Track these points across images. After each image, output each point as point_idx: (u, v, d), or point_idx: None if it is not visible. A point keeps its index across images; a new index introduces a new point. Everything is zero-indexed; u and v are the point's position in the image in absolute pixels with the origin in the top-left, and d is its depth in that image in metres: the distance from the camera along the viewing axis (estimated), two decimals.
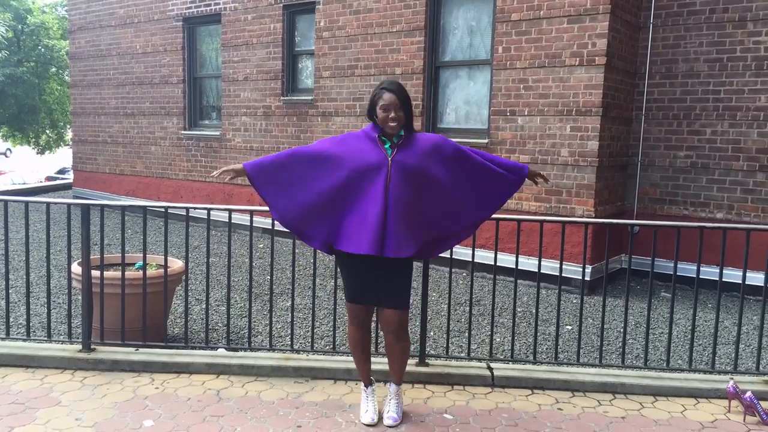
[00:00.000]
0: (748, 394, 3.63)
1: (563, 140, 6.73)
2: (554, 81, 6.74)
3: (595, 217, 6.54)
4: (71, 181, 13.64)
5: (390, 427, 3.43)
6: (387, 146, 3.31)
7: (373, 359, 3.74)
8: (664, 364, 4.39)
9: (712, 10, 6.69)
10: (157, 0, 10.56)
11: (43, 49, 23.84)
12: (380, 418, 3.49)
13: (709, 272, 5.35)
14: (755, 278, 4.98)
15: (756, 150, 6.57)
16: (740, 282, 4.13)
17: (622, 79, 6.86)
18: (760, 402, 3.65)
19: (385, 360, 3.66)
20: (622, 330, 4.36)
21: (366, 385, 3.58)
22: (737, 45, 6.60)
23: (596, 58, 6.46)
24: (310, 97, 8.79)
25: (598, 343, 4.50)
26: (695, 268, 4.14)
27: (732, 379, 3.89)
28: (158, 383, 3.93)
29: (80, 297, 4.29)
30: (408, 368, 3.75)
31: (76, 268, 4.47)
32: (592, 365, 4.36)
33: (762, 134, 6.54)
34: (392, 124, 3.28)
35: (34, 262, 7.30)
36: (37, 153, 27.05)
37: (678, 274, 4.22)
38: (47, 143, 26.46)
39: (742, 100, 6.61)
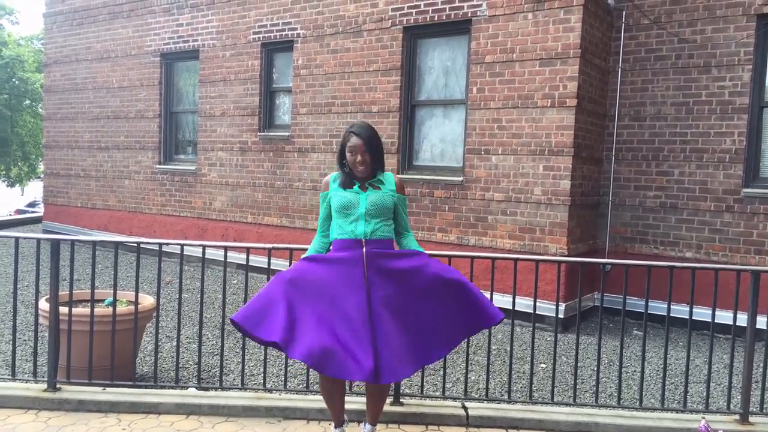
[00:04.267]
0: None
1: (536, 179, 6.84)
2: (527, 121, 6.89)
3: (568, 255, 6.61)
4: (41, 214, 13.41)
5: None
6: (356, 188, 3.36)
7: (346, 398, 3.68)
8: (638, 403, 4.40)
9: (678, 56, 6.94)
10: (135, 35, 10.61)
11: (17, 82, 23.68)
12: None
13: (680, 310, 5.43)
14: (724, 317, 5.06)
15: (722, 191, 6.75)
16: (710, 320, 4.19)
17: (592, 120, 7.03)
18: None
19: (356, 399, 3.60)
20: (595, 368, 4.38)
21: (336, 426, 3.48)
22: (702, 90, 6.83)
23: (567, 99, 6.62)
24: (286, 133, 8.83)
25: (572, 382, 4.51)
26: (666, 306, 4.19)
27: (704, 418, 3.92)
28: (125, 424, 3.82)
29: (47, 334, 4.19)
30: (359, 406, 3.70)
31: (44, 305, 4.37)
32: (567, 404, 4.36)
33: (728, 175, 6.72)
34: (360, 167, 3.35)
35: (0, 298, 7.12)
36: (8, 186, 26.60)
37: (649, 312, 4.28)
38: (18, 176, 26.07)
39: (708, 142, 6.82)
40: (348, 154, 3.36)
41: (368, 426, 3.50)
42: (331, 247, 3.45)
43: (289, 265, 4.24)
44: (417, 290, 3.27)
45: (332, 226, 3.44)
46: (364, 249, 3.27)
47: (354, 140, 3.34)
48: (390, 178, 3.48)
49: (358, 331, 3.10)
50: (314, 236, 3.61)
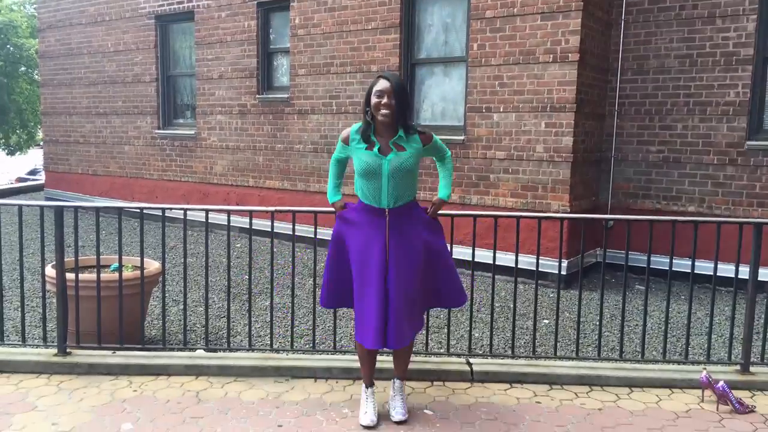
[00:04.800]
0: (721, 383, 3.72)
1: (538, 136, 6.79)
2: (528, 78, 6.80)
3: (570, 212, 6.62)
4: (43, 182, 13.41)
5: (399, 423, 3.45)
6: (376, 150, 3.35)
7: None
8: (639, 356, 4.47)
9: (682, 7, 6.81)
10: None
11: (11, 48, 23.40)
12: (378, 419, 3.48)
13: (682, 264, 5.46)
14: (726, 270, 5.09)
15: (726, 144, 6.71)
16: (712, 274, 4.22)
17: (595, 75, 6.95)
18: (732, 391, 3.73)
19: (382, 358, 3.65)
20: (597, 323, 4.43)
21: (367, 386, 3.57)
22: (707, 41, 6.72)
23: (569, 54, 6.53)
24: (285, 95, 8.75)
25: (575, 337, 4.56)
26: (668, 260, 4.21)
27: (705, 369, 3.98)
28: (136, 386, 3.89)
29: (55, 300, 4.23)
30: (388, 365, 3.77)
31: (50, 271, 4.41)
32: (569, 358, 4.43)
33: (731, 128, 6.67)
34: (384, 110, 3.29)
35: (6, 266, 7.17)
36: (7, 154, 26.54)
37: (651, 266, 4.30)
38: (17, 144, 25.98)
39: (712, 95, 6.74)
40: (373, 98, 3.30)
41: (398, 382, 3.60)
42: (357, 203, 3.54)
43: (293, 227, 4.26)
44: (419, 260, 3.43)
45: (356, 183, 3.49)
46: (387, 218, 3.40)
47: (382, 83, 3.31)
48: (416, 138, 3.43)
49: (378, 301, 3.29)
50: (327, 184, 3.69)
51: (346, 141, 3.47)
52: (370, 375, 3.59)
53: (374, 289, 3.30)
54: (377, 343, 3.27)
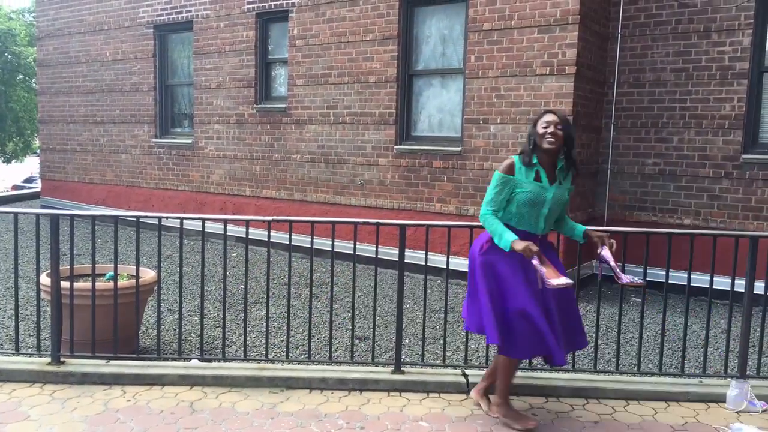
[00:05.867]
0: (602, 251, 3.63)
1: None
2: (526, 90, 6.83)
3: None
4: (39, 190, 13.38)
5: None
6: (544, 179, 3.43)
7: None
8: (636, 369, 4.46)
9: (678, 21, 6.86)
10: (128, 7, 10.45)
11: (9, 56, 23.42)
12: None
13: (678, 277, 5.46)
14: (722, 282, 5.09)
15: (721, 157, 6.74)
16: (708, 286, 4.22)
17: (591, 88, 6.98)
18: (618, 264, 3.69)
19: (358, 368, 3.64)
20: (594, 335, 4.43)
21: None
22: (702, 55, 6.77)
23: (566, 67, 6.56)
24: (283, 105, 8.77)
25: None
26: (664, 273, 4.22)
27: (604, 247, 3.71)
28: (130, 396, 3.87)
29: (49, 309, 4.21)
30: (383, 376, 3.76)
31: (45, 279, 4.39)
32: (566, 370, 4.41)
33: (727, 142, 6.70)
34: (550, 138, 3.37)
35: (1, 274, 7.15)
36: (4, 162, 26.49)
37: (648, 279, 4.30)
38: (14, 151, 25.95)
39: (708, 108, 6.78)
40: (540, 128, 3.40)
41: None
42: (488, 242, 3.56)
43: (289, 237, 4.25)
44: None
45: (512, 210, 3.48)
46: (538, 241, 3.48)
47: (549, 116, 3.43)
48: (570, 176, 3.56)
49: (542, 317, 3.39)
50: (483, 214, 3.52)
51: (510, 171, 3.45)
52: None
53: (542, 307, 3.40)
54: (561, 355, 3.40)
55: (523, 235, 3.43)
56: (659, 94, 7.01)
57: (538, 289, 3.40)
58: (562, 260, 6.45)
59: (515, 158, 3.48)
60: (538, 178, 3.44)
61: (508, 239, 3.35)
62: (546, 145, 3.40)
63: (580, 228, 3.72)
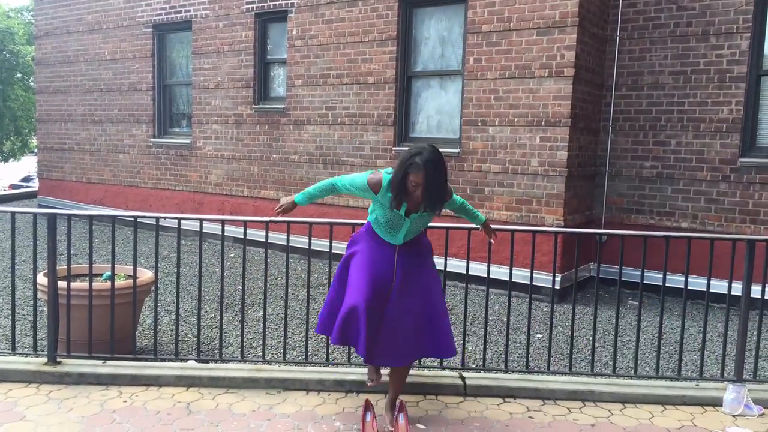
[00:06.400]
0: None
1: (533, 150, 6.82)
2: (524, 92, 6.84)
3: (564, 226, 6.63)
4: (36, 189, 13.35)
5: None
6: (403, 209, 3.40)
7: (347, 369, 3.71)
8: (632, 372, 4.47)
9: (677, 24, 6.87)
10: (127, 6, 10.44)
11: (8, 55, 23.37)
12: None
13: (675, 280, 5.47)
14: (719, 286, 5.10)
15: (719, 160, 6.75)
16: (705, 290, 4.23)
17: (589, 90, 6.99)
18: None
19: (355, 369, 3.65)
20: (591, 338, 4.43)
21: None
22: (701, 58, 6.78)
23: (565, 69, 6.57)
24: (282, 106, 8.76)
25: (568, 351, 4.56)
26: (661, 276, 4.23)
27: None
28: (126, 396, 3.86)
29: (46, 308, 4.20)
30: (382, 378, 3.75)
31: (42, 279, 4.38)
32: (563, 373, 4.42)
33: (724, 145, 6.71)
34: (414, 196, 3.32)
35: None
36: (1, 160, 26.44)
37: (645, 282, 4.31)
38: (11, 150, 25.89)
39: (706, 111, 6.79)
40: (410, 185, 3.27)
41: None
42: (366, 225, 3.63)
43: (287, 238, 4.25)
44: (419, 288, 3.53)
45: (372, 216, 3.55)
46: (397, 248, 3.53)
47: (419, 176, 3.23)
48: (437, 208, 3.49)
49: (372, 313, 3.36)
50: (331, 179, 3.63)
51: (376, 189, 3.41)
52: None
53: (372, 300, 3.35)
54: (338, 340, 3.42)
55: (381, 241, 3.51)
56: (657, 96, 7.02)
57: (382, 286, 3.42)
58: (558, 264, 6.49)
59: (385, 178, 3.37)
60: (398, 207, 3.38)
61: (299, 197, 3.67)
62: (409, 200, 3.35)
63: (482, 219, 3.90)
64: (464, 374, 4.20)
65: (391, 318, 3.41)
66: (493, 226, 4.40)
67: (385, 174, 3.40)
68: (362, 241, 3.59)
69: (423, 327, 3.52)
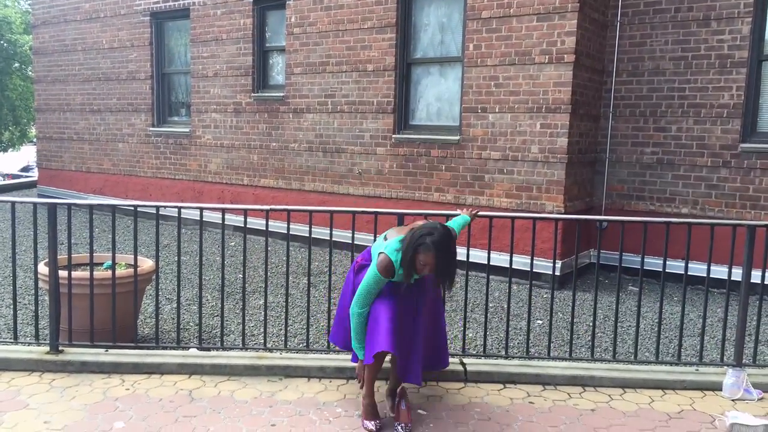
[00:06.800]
0: None
1: (533, 137, 6.81)
2: (524, 78, 6.81)
3: (564, 213, 6.63)
4: (36, 178, 13.34)
5: None
6: (413, 280, 3.39)
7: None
8: (632, 357, 4.48)
9: (677, 9, 6.83)
10: None
11: (5, 44, 23.24)
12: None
13: (675, 266, 5.48)
14: (719, 271, 5.10)
15: (720, 146, 6.73)
16: (705, 275, 4.23)
17: (590, 76, 6.96)
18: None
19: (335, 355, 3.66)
20: (591, 324, 4.45)
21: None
22: (701, 44, 6.75)
23: (565, 55, 6.54)
24: (281, 94, 8.73)
25: (568, 337, 4.57)
26: (661, 262, 4.23)
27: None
28: (129, 384, 3.88)
29: (47, 298, 4.21)
30: (384, 365, 3.76)
31: (43, 269, 4.39)
32: (563, 359, 4.43)
33: (725, 131, 6.70)
34: (423, 273, 3.33)
35: None
36: (0, 150, 26.38)
37: (645, 268, 4.31)
38: (10, 140, 25.83)
39: (706, 97, 6.76)
40: (419, 264, 3.27)
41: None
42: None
43: (287, 226, 4.25)
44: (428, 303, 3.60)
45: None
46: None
47: (429, 257, 3.23)
48: None
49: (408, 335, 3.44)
50: (353, 314, 3.47)
51: (389, 273, 3.37)
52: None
53: (400, 338, 3.39)
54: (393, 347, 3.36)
55: (394, 285, 3.45)
56: (658, 82, 6.99)
57: (401, 306, 3.43)
58: (559, 250, 6.49)
59: (395, 260, 3.34)
60: (408, 279, 3.39)
61: (362, 355, 3.45)
62: (418, 276, 3.38)
63: (467, 220, 3.93)
64: (465, 360, 4.21)
65: (419, 336, 3.47)
66: (493, 213, 4.41)
67: (392, 254, 3.35)
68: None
69: (430, 339, 3.64)
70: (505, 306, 5.05)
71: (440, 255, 3.24)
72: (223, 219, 4.33)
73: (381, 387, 3.80)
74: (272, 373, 4.05)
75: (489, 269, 4.37)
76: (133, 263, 4.57)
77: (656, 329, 4.46)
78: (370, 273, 3.40)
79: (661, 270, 4.27)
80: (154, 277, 4.77)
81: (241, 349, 4.39)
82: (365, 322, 3.44)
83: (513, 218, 4.35)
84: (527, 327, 4.37)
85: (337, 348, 4.54)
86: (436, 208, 7.11)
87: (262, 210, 4.31)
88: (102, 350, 4.20)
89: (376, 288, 3.41)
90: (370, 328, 3.42)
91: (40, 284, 4.49)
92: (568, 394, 3.93)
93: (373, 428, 3.43)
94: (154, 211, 4.36)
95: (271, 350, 4.37)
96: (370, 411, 3.50)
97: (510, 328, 4.80)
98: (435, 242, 3.22)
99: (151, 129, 10.27)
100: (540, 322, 5.64)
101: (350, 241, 4.37)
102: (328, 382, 3.97)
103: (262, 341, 4.56)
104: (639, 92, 7.10)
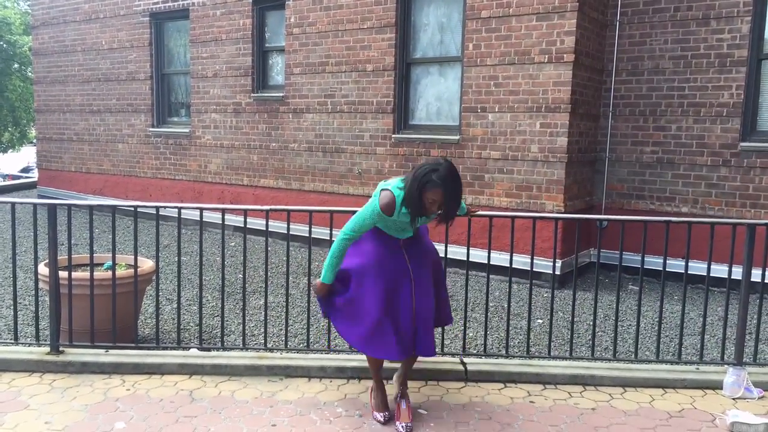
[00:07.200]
0: None
1: (533, 136, 6.81)
2: (524, 78, 6.81)
3: (564, 212, 6.63)
4: (36, 179, 13.34)
5: None
6: (419, 221, 3.31)
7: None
8: (633, 356, 4.48)
9: (677, 8, 6.83)
10: None
11: (4, 45, 23.24)
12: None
13: (675, 265, 5.48)
14: (719, 270, 5.11)
15: (719, 145, 6.73)
16: (705, 274, 4.23)
17: (589, 76, 6.96)
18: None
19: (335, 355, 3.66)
20: (591, 323, 4.45)
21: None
22: (701, 42, 6.75)
23: (565, 55, 6.54)
24: (280, 94, 8.73)
25: (569, 336, 4.57)
26: (662, 261, 4.23)
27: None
28: (129, 385, 3.88)
29: (48, 299, 4.21)
30: (384, 365, 3.76)
31: (43, 269, 4.39)
32: (563, 358, 4.43)
33: (725, 130, 6.70)
34: (431, 211, 3.21)
35: None
36: (0, 151, 26.39)
37: (645, 267, 4.31)
38: (10, 141, 25.83)
39: (706, 96, 6.77)
40: (427, 201, 3.14)
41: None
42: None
43: (287, 226, 4.25)
44: (431, 273, 3.54)
45: (379, 223, 3.44)
46: (401, 241, 3.47)
47: (437, 193, 3.10)
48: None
49: (410, 312, 3.37)
50: (339, 237, 3.37)
51: (390, 212, 3.23)
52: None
53: (405, 302, 3.37)
54: (404, 354, 3.38)
55: (387, 239, 3.42)
56: (657, 81, 6.99)
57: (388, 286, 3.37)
58: (559, 250, 6.49)
59: (397, 196, 3.21)
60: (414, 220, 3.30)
61: (325, 277, 3.41)
62: (424, 213, 3.21)
63: (464, 209, 3.79)
64: (465, 360, 4.21)
65: (421, 309, 3.40)
66: (493, 213, 4.41)
67: (395, 191, 3.21)
68: (366, 241, 3.45)
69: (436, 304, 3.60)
70: (506, 305, 5.05)
71: (449, 190, 3.08)
72: (223, 219, 4.33)
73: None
74: (273, 373, 4.04)
75: (489, 269, 4.37)
76: (133, 264, 4.57)
77: (656, 328, 4.46)
78: (368, 206, 3.27)
79: (661, 269, 4.27)
80: (154, 277, 4.77)
81: (242, 349, 4.39)
82: (344, 251, 3.35)
83: (513, 218, 4.34)
84: (527, 326, 4.37)
85: (337, 348, 4.55)
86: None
87: (262, 210, 4.31)
88: (102, 351, 4.20)
89: (371, 222, 3.29)
90: (358, 311, 3.38)
91: (41, 285, 4.49)
92: (569, 393, 3.93)
93: (382, 419, 3.46)
94: (154, 212, 4.36)
95: (271, 350, 4.37)
96: (379, 402, 3.54)
97: (510, 328, 4.80)
98: (442, 177, 3.06)
99: (151, 129, 10.27)
100: (540, 321, 5.64)
101: None
102: (328, 382, 3.97)
103: (263, 341, 4.56)
104: (639, 91, 7.10)
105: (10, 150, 26.21)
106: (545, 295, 6.40)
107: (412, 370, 3.80)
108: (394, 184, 3.26)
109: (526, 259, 5.83)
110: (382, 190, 3.27)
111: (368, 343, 3.38)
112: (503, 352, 4.61)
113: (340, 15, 8.04)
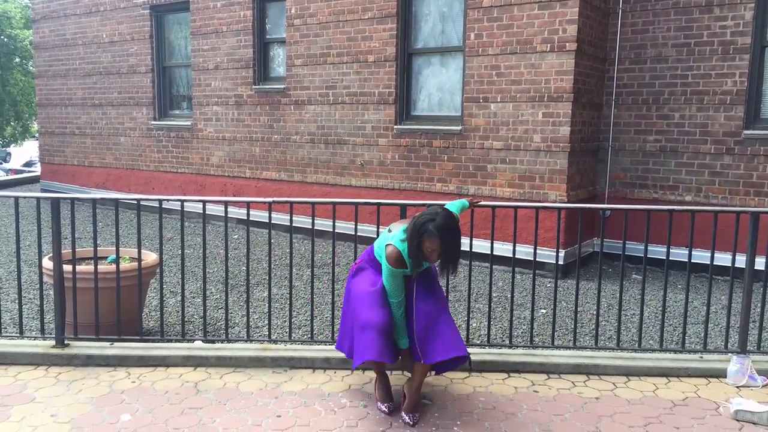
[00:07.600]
0: None
1: (535, 126, 6.79)
2: (526, 67, 6.78)
3: (567, 202, 6.62)
4: (38, 173, 13.36)
5: None
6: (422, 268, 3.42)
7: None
8: (636, 345, 4.48)
9: None
10: None
11: (5, 39, 23.23)
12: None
13: (679, 254, 5.47)
14: (723, 259, 5.10)
15: (723, 133, 6.71)
16: (708, 263, 4.23)
17: (592, 64, 6.93)
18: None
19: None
20: (595, 312, 4.45)
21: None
22: (704, 30, 6.71)
23: (567, 44, 6.51)
24: (282, 86, 8.71)
25: (572, 326, 4.58)
26: (665, 250, 4.22)
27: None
28: (134, 377, 3.90)
29: (52, 292, 4.23)
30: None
31: (48, 263, 4.40)
32: (567, 347, 4.44)
33: (729, 118, 6.67)
34: (429, 259, 3.33)
35: (3, 258, 7.17)
36: (2, 146, 26.43)
37: (648, 256, 4.31)
38: (12, 135, 25.87)
39: (709, 84, 6.73)
40: (425, 250, 3.26)
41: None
42: (370, 251, 3.65)
43: (290, 218, 4.25)
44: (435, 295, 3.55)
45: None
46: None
47: (434, 243, 3.22)
48: None
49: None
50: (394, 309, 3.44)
51: (402, 264, 3.37)
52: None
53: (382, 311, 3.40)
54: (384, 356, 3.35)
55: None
56: (660, 70, 6.95)
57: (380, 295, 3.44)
58: (562, 239, 6.49)
59: (402, 250, 3.33)
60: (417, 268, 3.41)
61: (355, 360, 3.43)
62: (424, 263, 3.37)
63: (465, 205, 3.82)
64: (469, 350, 4.21)
65: (421, 310, 3.42)
66: (496, 203, 4.40)
67: (398, 245, 3.35)
68: (370, 269, 3.57)
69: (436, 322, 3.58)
70: (509, 295, 5.05)
71: (446, 239, 3.24)
72: (226, 212, 4.33)
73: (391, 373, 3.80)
74: (277, 365, 4.06)
75: (492, 259, 4.37)
76: (137, 257, 4.58)
77: (660, 317, 4.47)
78: (385, 270, 3.41)
79: (664, 258, 4.27)
80: (158, 270, 4.78)
81: (246, 341, 4.40)
82: (403, 315, 3.44)
83: (516, 208, 4.34)
84: (531, 316, 4.38)
85: None
86: (439, 199, 7.10)
87: (264, 202, 4.32)
88: (107, 343, 4.22)
89: (396, 280, 3.39)
90: (355, 326, 3.46)
91: (45, 279, 4.50)
92: (573, 382, 3.94)
93: (386, 410, 3.49)
94: (157, 205, 4.36)
95: (275, 342, 4.39)
96: (383, 393, 3.56)
97: (514, 318, 4.80)
98: (438, 227, 3.22)
99: (153, 122, 10.26)
100: (544, 311, 5.64)
101: (353, 233, 4.37)
102: (332, 373, 3.99)
103: (267, 333, 4.57)
104: (641, 80, 7.07)
105: (13, 144, 26.25)
106: (548, 285, 6.40)
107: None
108: (396, 237, 3.38)
109: (529, 249, 5.83)
110: (387, 245, 3.40)
111: (352, 352, 3.48)
112: (507, 342, 4.62)
113: (340, 5, 8.01)
